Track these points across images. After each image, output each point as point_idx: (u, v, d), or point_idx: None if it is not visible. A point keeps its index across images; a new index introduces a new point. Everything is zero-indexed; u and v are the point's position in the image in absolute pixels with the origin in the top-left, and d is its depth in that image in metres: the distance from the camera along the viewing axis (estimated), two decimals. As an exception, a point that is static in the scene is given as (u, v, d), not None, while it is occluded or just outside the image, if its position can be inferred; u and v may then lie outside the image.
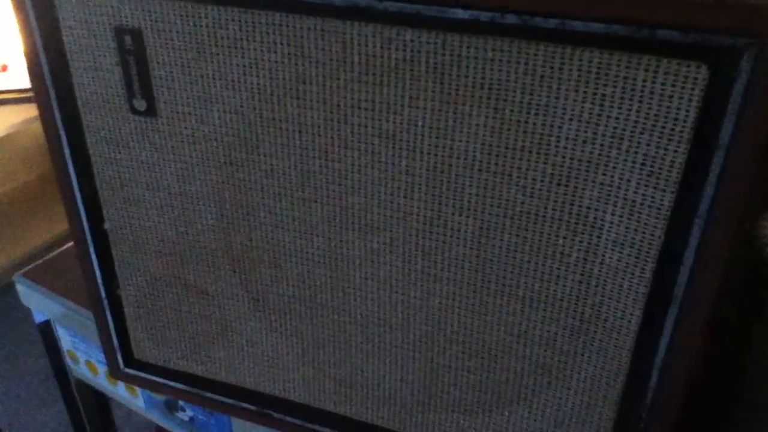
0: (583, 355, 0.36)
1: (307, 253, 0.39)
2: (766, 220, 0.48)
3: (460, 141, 0.32)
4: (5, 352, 1.60)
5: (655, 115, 0.28)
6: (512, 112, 0.31)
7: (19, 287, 0.63)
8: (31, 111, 1.53)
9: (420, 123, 0.32)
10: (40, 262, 0.65)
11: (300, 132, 0.35)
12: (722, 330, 0.46)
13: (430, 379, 0.41)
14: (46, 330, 0.67)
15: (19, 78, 1.55)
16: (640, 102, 0.28)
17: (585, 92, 0.29)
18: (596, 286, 0.34)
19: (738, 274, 0.49)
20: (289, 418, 0.47)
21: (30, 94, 1.62)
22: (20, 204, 1.70)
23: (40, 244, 1.61)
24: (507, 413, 0.40)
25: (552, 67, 0.29)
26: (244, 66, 0.34)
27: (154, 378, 0.49)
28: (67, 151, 0.41)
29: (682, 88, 0.27)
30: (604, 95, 0.29)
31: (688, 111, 0.28)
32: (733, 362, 0.41)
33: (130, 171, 0.40)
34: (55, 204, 1.71)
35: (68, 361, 0.68)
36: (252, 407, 0.47)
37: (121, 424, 1.34)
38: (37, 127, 1.62)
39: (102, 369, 0.64)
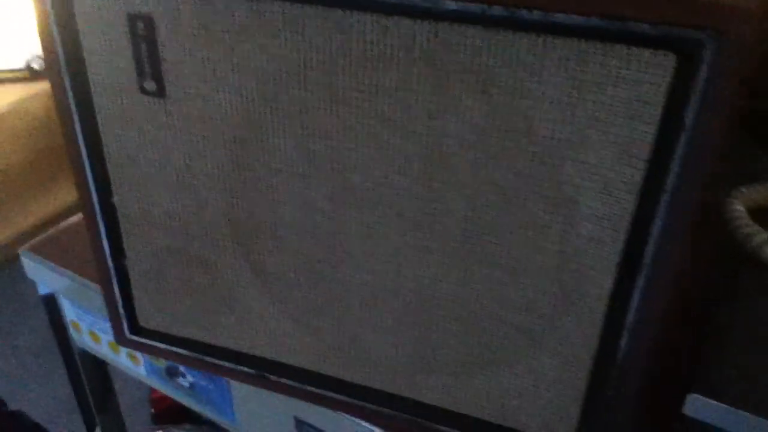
0: (561, 319, 0.39)
1: (306, 226, 0.42)
2: (734, 198, 0.51)
3: (451, 122, 0.35)
4: (4, 328, 1.62)
5: (628, 99, 0.31)
6: (499, 96, 0.33)
7: (24, 260, 0.65)
8: (29, 89, 1.56)
9: (414, 105, 0.35)
10: (44, 236, 0.67)
11: (301, 113, 0.38)
12: (693, 303, 0.50)
13: (420, 344, 0.44)
14: (49, 302, 0.70)
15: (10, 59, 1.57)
16: (615, 87, 0.31)
17: (565, 78, 0.32)
18: (574, 256, 0.37)
19: (709, 252, 0.52)
20: (285, 381, 0.49)
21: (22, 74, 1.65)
22: (15, 182, 1.71)
23: (37, 221, 1.63)
24: (491, 374, 0.43)
25: (535, 55, 0.32)
26: (250, 51, 0.37)
27: (157, 344, 0.52)
28: (78, 129, 0.43)
29: (653, 74, 0.30)
30: (582, 80, 0.32)
31: (657, 95, 0.31)
32: (699, 334, 0.45)
33: (139, 149, 0.43)
34: (51, 181, 1.73)
35: (72, 331, 0.70)
36: (250, 370, 0.50)
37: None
38: (36, 105, 1.64)
39: (105, 338, 0.66)
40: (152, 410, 1.32)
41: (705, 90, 0.29)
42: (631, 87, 0.31)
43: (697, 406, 0.37)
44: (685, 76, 0.30)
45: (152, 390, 1.17)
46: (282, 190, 0.41)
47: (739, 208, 0.50)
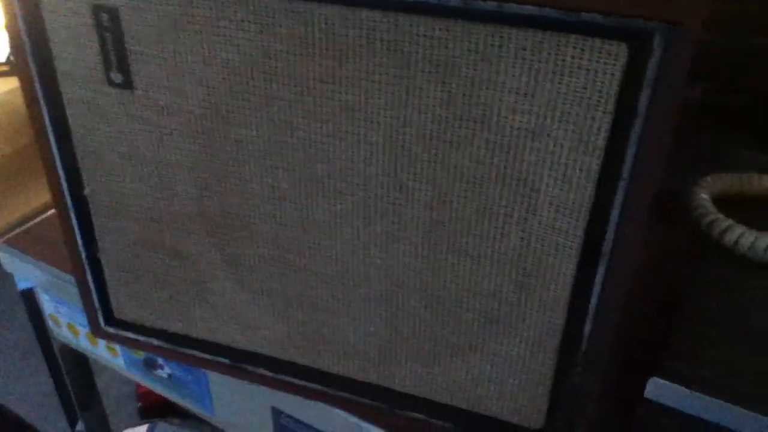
0: (526, 305, 0.40)
1: (276, 217, 0.42)
2: (699, 186, 0.52)
3: (413, 112, 0.35)
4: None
5: (583, 88, 0.32)
6: (459, 85, 0.34)
7: (1, 254, 0.66)
8: (11, 83, 1.54)
9: (376, 95, 0.36)
10: (20, 229, 0.67)
11: (267, 104, 0.38)
12: (659, 290, 0.50)
13: (390, 332, 0.44)
14: (29, 297, 0.70)
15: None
16: (570, 76, 0.32)
17: (522, 67, 0.32)
18: (536, 243, 0.37)
19: (676, 241, 0.53)
20: (261, 371, 0.50)
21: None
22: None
23: (21, 216, 1.62)
24: (461, 361, 0.43)
25: (492, 45, 0.32)
26: (215, 42, 0.37)
27: (133, 336, 0.53)
28: (47, 121, 0.44)
29: (605, 63, 0.31)
30: (538, 69, 0.32)
31: (611, 84, 0.31)
32: (663, 319, 0.45)
33: (109, 140, 0.43)
34: (34, 177, 1.72)
35: (50, 324, 0.71)
36: (226, 361, 0.51)
37: (103, 392, 1.37)
38: (18, 99, 1.63)
39: (83, 331, 0.67)
40: (139, 404, 1.33)
41: (656, 78, 0.30)
42: (586, 76, 0.31)
43: (657, 389, 0.38)
44: (637, 66, 0.30)
45: (139, 384, 1.17)
46: (251, 180, 0.41)
47: (703, 196, 0.50)
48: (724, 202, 0.53)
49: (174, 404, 0.67)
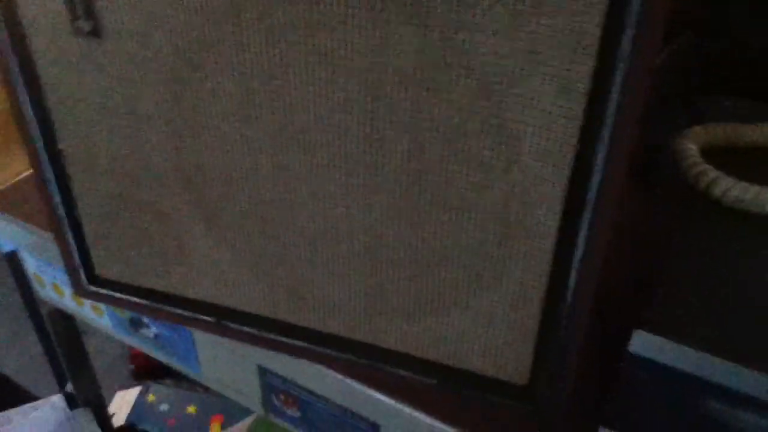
0: (509, 259, 0.39)
1: (254, 170, 0.41)
2: (685, 137, 0.51)
3: (391, 58, 0.34)
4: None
5: (564, 29, 0.30)
6: (436, 28, 0.33)
7: (-17, 216, 0.65)
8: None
9: (353, 42, 0.34)
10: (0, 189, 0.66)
11: (240, 52, 0.37)
12: (643, 242, 0.50)
13: (372, 288, 0.44)
14: (13, 259, 0.69)
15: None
16: (551, 17, 0.30)
17: (501, 9, 0.31)
18: (519, 194, 0.36)
19: (662, 192, 0.52)
20: (245, 328, 0.49)
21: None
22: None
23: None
24: (443, 317, 0.43)
25: (471, -15, 0.31)
26: (184, -13, 0.36)
27: (116, 294, 0.52)
28: (17, 74, 0.42)
29: (587, 4, 0.29)
30: (520, 11, 0.31)
31: (593, 26, 0.30)
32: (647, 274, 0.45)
33: (80, 92, 0.42)
34: (15, 141, 1.69)
35: (35, 285, 0.70)
36: (209, 319, 0.50)
37: (96, 354, 1.38)
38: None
39: (68, 291, 0.66)
40: (132, 366, 1.33)
41: (639, 20, 0.29)
42: (567, 17, 0.30)
43: (641, 342, 0.37)
44: (619, 6, 0.29)
45: (131, 346, 1.18)
46: (226, 132, 0.40)
47: (690, 146, 0.49)
48: (712, 154, 0.52)
49: (167, 366, 0.67)
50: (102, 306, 0.64)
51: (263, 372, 0.56)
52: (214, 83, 0.38)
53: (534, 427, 0.44)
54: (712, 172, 0.47)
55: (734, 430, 0.37)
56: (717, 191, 0.46)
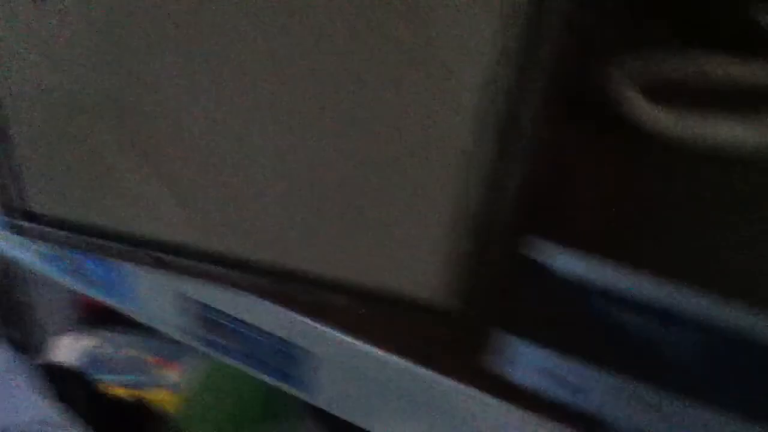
0: (426, 172, 0.40)
1: (191, 106, 0.42)
2: (618, 69, 0.52)
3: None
4: None
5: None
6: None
7: None
8: None
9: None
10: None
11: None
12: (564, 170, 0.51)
13: (296, 213, 0.45)
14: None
15: None
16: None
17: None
18: (435, 99, 0.37)
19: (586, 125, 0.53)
20: (181, 260, 0.50)
21: None
22: None
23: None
24: (369, 239, 0.44)
25: None
26: None
27: (49, 229, 0.52)
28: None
29: None
30: None
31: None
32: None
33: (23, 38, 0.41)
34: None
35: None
36: (144, 252, 0.51)
37: (38, 301, 1.36)
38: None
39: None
40: (80, 313, 1.32)
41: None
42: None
43: (538, 248, 0.39)
44: None
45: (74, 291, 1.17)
46: (163, 68, 0.40)
47: (625, 80, 0.50)
48: (646, 89, 0.53)
49: (116, 313, 0.67)
50: (40, 248, 0.64)
51: (205, 308, 0.57)
52: (148, 18, 0.38)
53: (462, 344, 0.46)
54: (646, 105, 0.48)
55: (627, 333, 0.39)
56: (647, 121, 0.48)
